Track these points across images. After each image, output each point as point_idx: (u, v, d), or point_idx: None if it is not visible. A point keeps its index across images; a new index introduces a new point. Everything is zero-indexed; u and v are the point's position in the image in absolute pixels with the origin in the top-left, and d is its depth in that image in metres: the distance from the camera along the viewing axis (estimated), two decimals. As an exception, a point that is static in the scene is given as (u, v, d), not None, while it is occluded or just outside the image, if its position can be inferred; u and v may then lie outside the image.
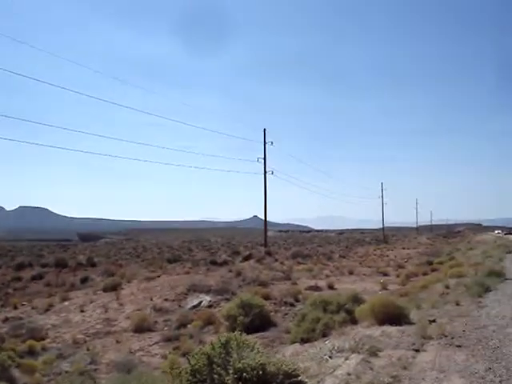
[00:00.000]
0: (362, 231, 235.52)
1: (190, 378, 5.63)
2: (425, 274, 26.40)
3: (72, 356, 13.43)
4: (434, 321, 9.61)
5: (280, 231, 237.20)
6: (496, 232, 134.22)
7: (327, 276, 28.30)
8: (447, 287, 15.50)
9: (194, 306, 19.44)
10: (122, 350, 14.06)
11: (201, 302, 19.96)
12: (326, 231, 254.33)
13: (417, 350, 7.44)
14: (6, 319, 19.26)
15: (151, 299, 20.88)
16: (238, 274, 27.12)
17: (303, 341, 10.35)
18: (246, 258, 41.60)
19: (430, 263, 32.74)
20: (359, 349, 7.40)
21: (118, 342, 15.09)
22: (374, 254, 53.72)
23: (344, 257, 49.57)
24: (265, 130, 53.35)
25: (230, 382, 5.35)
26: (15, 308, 21.98)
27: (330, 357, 7.27)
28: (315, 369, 6.75)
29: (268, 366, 5.61)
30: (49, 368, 12.26)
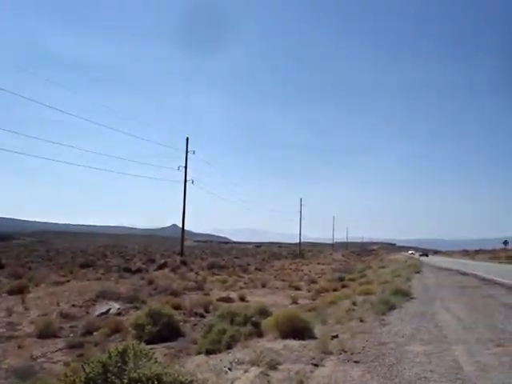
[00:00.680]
0: (279, 245, 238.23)
1: (84, 386, 5.51)
2: (335, 289, 26.89)
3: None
4: (336, 336, 9.79)
5: (198, 241, 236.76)
6: (409, 252, 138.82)
7: (241, 288, 28.40)
8: (354, 304, 15.83)
9: (102, 313, 19.01)
10: (24, 355, 13.54)
11: (109, 309, 19.55)
12: (245, 243, 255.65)
13: (316, 365, 7.54)
14: None
15: (58, 304, 20.27)
16: (151, 282, 26.85)
17: (209, 352, 10.29)
18: (161, 267, 41.24)
19: (342, 279, 33.39)
20: (259, 362, 7.43)
21: (20, 347, 14.49)
22: (290, 268, 54.34)
23: (260, 269, 49.89)
24: (187, 138, 53.29)
25: (124, 391, 5.26)
26: None
27: (229, 369, 7.27)
28: (213, 380, 6.73)
29: (164, 376, 5.55)
30: None
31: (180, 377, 5.67)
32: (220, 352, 9.89)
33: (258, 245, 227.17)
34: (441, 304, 16.16)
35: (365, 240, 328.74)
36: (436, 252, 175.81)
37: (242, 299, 22.72)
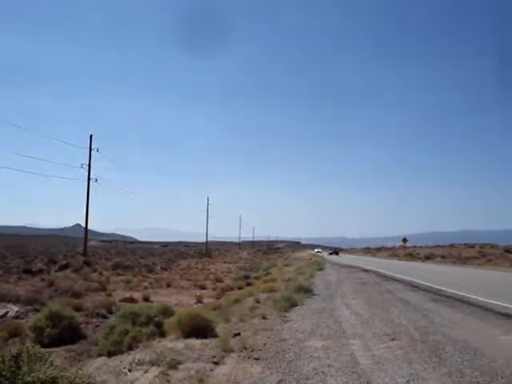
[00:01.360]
0: (186, 244, 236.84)
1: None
2: (240, 288, 27.09)
3: None
4: (238, 334, 9.87)
5: (103, 241, 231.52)
6: (316, 250, 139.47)
7: (145, 288, 28.02)
8: (258, 301, 16.00)
9: (0, 317, 18.24)
10: None
11: (7, 312, 18.74)
12: (151, 243, 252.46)
13: (216, 363, 7.57)
14: None
15: (-49, 308, 19.26)
16: (51, 283, 26.00)
17: (110, 354, 10.12)
18: (63, 268, 40.03)
19: (247, 278, 33.66)
20: (160, 362, 7.38)
21: None
22: (196, 268, 54.21)
23: (166, 269, 49.45)
24: (91, 136, 52.13)
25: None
26: None
27: (129, 370, 7.17)
28: (112, 382, 6.62)
29: (60, 379, 5.43)
30: None
31: (77, 379, 5.55)
32: (121, 353, 9.74)
33: (165, 244, 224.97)
34: (341, 300, 16.64)
35: (271, 239, 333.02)
36: (340, 250, 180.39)
37: (146, 299, 22.42)
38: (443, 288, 20.20)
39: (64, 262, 45.72)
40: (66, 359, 10.74)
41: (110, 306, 19.15)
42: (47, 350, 8.89)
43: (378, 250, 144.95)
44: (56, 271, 37.89)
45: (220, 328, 10.61)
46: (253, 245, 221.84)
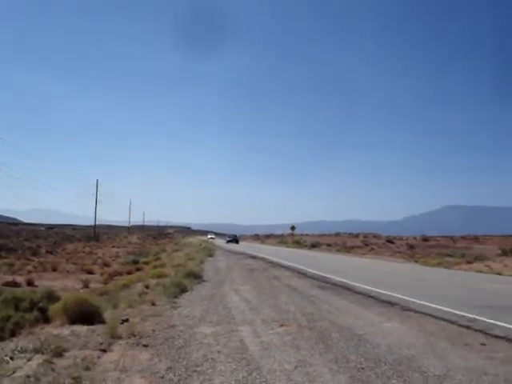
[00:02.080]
0: (74, 227, 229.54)
1: None
2: (129, 272, 26.72)
3: None
4: (126, 320, 9.66)
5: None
6: (209, 236, 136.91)
7: (29, 272, 27.03)
8: (147, 287, 15.77)
9: None
10: None
11: None
12: (36, 225, 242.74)
13: (104, 350, 7.37)
14: None
15: None
16: None
17: (-9, 341, 9.62)
18: None
19: (136, 263, 33.26)
20: (44, 349, 7.07)
21: None
22: (83, 252, 52.94)
23: (51, 253, 47.90)
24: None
25: None
26: None
27: (11, 358, 6.82)
28: (-8, 371, 6.29)
29: None
30: None
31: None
32: (3, 340, 9.27)
33: (51, 227, 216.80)
34: (230, 286, 16.76)
35: (161, 223, 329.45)
36: (225, 236, 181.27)
37: (30, 284, 21.60)
38: (329, 275, 20.85)
39: None
40: None
41: (-10, 291, 18.25)
42: None
43: (267, 237, 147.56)
44: None
45: (108, 314, 10.33)
46: (143, 229, 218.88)
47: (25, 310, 11.19)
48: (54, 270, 29.21)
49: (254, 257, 38.31)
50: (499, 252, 42.37)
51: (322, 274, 21.45)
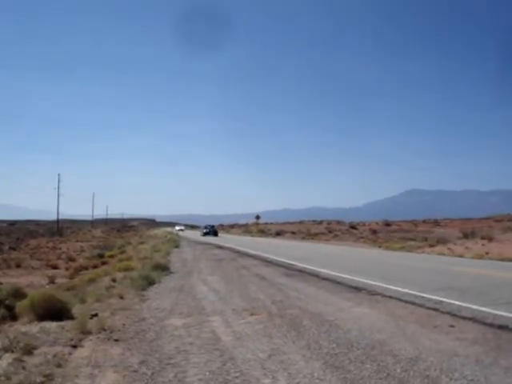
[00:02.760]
0: (36, 222, 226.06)
1: None
2: (95, 267, 26.47)
3: None
4: (95, 315, 9.55)
5: None
6: (177, 228, 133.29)
7: (-8, 269, 26.52)
8: (114, 281, 15.61)
9: None
10: None
11: None
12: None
13: (74, 346, 7.28)
14: None
15: None
16: None
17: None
18: None
19: (102, 256, 32.94)
20: (13, 347, 6.95)
21: None
22: (47, 247, 52.19)
23: (14, 249, 47.10)
24: None
25: None
26: None
27: (-21, 358, 6.70)
28: (-40, 372, 6.16)
29: None
30: None
31: None
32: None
33: (13, 222, 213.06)
34: (198, 277, 16.73)
35: (125, 216, 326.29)
36: (193, 227, 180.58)
37: (-6, 281, 21.21)
38: (295, 263, 20.99)
39: None
40: None
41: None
42: None
43: (232, 226, 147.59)
44: None
45: (76, 309, 10.19)
46: (106, 223, 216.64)
47: (-10, 308, 10.99)
48: (18, 266, 28.77)
49: (220, 247, 38.30)
50: (460, 235, 43.19)
51: (289, 262, 21.58)
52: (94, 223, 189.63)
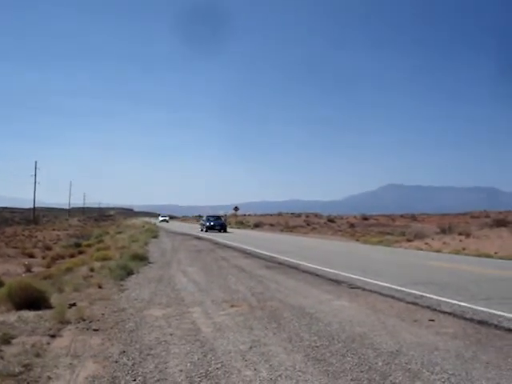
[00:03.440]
0: (12, 210, 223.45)
1: None
2: (72, 256, 26.23)
3: None
4: (74, 304, 9.45)
5: None
6: (161, 218, 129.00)
7: (-34, 257, 26.17)
8: (92, 270, 15.47)
9: None
10: None
11: None
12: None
13: (53, 336, 7.19)
14: None
15: None
16: None
17: None
18: None
19: (79, 245, 32.67)
20: (-10, 337, 6.86)
21: None
22: (23, 235, 51.63)
23: (-11, 237, 46.52)
24: None
25: None
26: None
27: (-45, 347, 6.59)
28: None
29: None
30: None
31: None
32: None
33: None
34: (177, 267, 16.67)
35: (102, 205, 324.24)
36: (172, 217, 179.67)
37: (-31, 269, 20.94)
38: (274, 255, 21.02)
39: None
40: None
41: None
42: None
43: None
44: None
45: (54, 298, 10.07)
46: (83, 212, 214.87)
47: (-34, 296, 10.81)
48: (-5, 254, 28.44)
49: (198, 238, 38.25)
50: (438, 230, 43.52)
51: (268, 254, 21.60)
52: (71, 212, 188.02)
